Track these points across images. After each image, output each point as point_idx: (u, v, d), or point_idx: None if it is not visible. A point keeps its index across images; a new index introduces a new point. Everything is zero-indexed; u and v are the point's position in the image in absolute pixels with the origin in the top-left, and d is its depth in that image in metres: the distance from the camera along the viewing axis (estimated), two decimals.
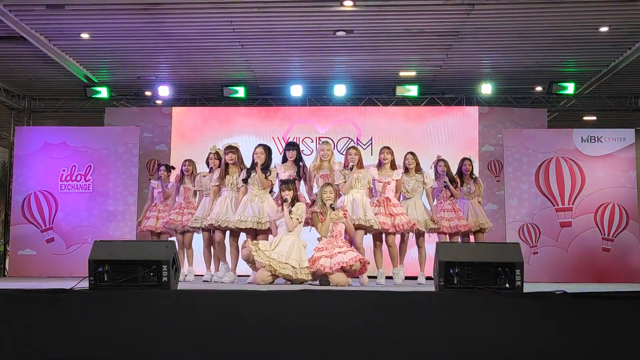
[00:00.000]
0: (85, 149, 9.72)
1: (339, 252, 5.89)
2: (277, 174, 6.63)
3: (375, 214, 6.56)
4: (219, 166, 6.97)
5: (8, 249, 10.02)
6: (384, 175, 6.78)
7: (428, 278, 6.90)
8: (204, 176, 7.20)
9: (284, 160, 6.87)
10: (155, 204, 7.97)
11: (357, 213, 6.39)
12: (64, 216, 9.60)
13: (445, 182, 7.22)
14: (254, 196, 6.49)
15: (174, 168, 8.21)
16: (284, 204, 6.14)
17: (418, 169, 7.04)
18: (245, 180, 6.53)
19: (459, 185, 7.42)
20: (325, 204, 6.13)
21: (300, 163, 6.86)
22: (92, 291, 4.22)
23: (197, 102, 10.61)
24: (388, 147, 6.92)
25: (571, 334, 3.56)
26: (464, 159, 7.63)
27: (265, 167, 6.50)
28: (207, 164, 7.33)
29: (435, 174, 7.37)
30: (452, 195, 7.34)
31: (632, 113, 10.71)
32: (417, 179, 6.96)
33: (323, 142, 7.01)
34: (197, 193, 7.35)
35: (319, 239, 6.22)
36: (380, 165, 6.86)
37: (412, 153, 7.07)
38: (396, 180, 6.80)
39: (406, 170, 6.99)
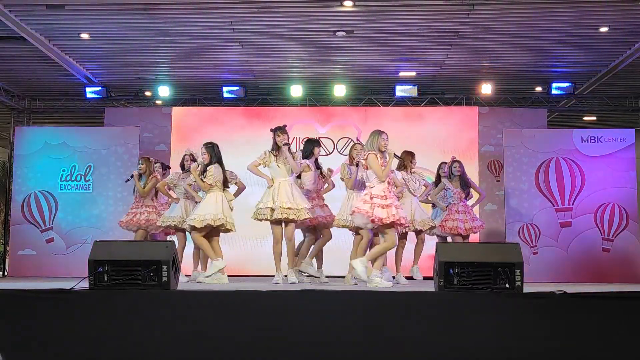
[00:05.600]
0: (85, 149, 9.71)
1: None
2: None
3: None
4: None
5: (8, 249, 10.01)
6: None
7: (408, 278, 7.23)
8: (183, 178, 7.26)
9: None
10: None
11: (344, 213, 6.36)
12: (64, 216, 9.60)
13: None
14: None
15: (169, 167, 8.27)
16: (284, 147, 6.34)
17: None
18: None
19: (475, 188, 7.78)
20: (384, 151, 5.97)
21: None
22: (92, 291, 4.23)
23: (197, 102, 10.60)
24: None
25: (571, 334, 3.56)
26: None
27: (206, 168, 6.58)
28: (182, 167, 7.41)
29: (450, 175, 7.53)
30: (466, 196, 7.51)
31: (632, 113, 10.71)
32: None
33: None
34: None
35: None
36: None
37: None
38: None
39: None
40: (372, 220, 5.71)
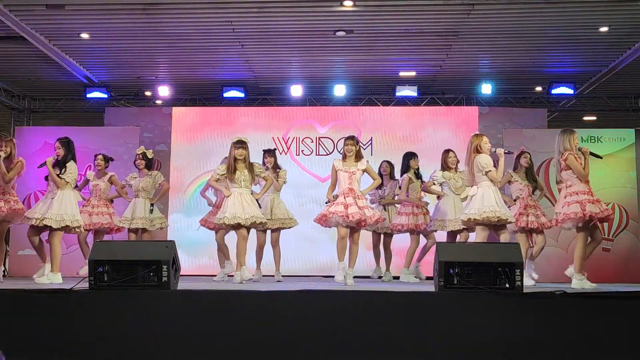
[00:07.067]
0: (85, 149, 9.69)
1: None
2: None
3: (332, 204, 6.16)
4: (145, 167, 7.32)
5: (8, 249, 10.00)
6: (348, 165, 6.24)
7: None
8: (135, 177, 7.38)
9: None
10: (89, 198, 7.82)
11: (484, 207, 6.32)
12: None
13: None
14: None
15: (112, 159, 8.05)
16: (268, 170, 6.80)
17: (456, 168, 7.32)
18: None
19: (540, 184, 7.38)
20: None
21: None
22: (92, 291, 4.22)
23: (197, 102, 10.61)
24: (352, 137, 6.40)
25: (571, 334, 3.56)
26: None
27: (62, 163, 6.25)
28: (135, 165, 7.51)
29: (516, 166, 7.28)
30: (534, 190, 7.12)
31: (632, 113, 10.71)
32: (462, 177, 7.22)
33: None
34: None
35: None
36: (344, 157, 6.33)
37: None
38: (362, 170, 6.28)
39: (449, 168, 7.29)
40: (583, 218, 5.73)
